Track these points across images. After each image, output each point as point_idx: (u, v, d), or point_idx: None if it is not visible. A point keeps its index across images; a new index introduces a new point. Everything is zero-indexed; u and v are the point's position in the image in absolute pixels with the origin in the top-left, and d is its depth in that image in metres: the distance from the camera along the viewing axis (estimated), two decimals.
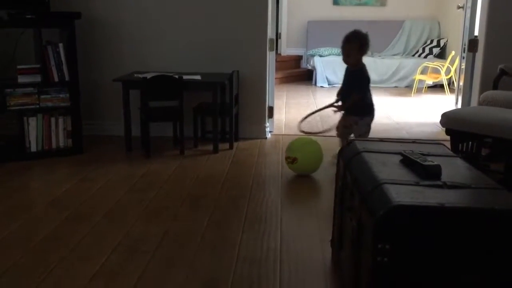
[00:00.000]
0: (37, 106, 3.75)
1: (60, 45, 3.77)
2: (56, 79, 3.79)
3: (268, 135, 4.54)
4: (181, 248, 2.38)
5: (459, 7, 6.02)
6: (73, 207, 2.88)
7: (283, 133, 4.73)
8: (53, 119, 3.82)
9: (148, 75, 3.88)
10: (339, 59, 7.82)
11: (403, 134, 4.76)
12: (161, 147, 4.10)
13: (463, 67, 4.82)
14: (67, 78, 3.81)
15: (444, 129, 3.39)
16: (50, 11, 3.85)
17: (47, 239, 2.48)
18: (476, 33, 4.53)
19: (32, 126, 3.76)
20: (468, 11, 4.72)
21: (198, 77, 4.05)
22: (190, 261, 2.25)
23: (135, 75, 4.09)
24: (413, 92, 7.12)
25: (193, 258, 2.28)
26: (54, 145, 3.85)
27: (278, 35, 8.54)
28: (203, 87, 4.04)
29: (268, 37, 4.38)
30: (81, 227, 2.60)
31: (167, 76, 3.83)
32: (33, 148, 3.78)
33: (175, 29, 4.39)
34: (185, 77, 3.89)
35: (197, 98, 4.21)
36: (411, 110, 6.02)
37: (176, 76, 3.83)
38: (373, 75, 7.65)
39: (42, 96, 3.75)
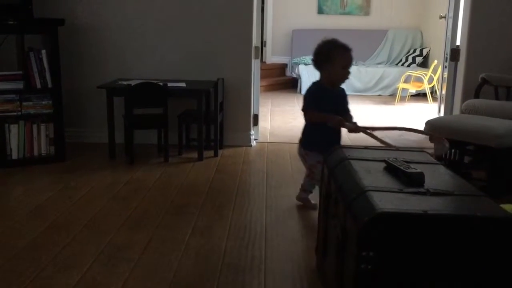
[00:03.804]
0: (19, 113, 3.69)
1: (43, 51, 3.72)
2: (39, 86, 3.74)
3: (253, 143, 4.53)
4: (165, 256, 2.36)
5: (441, 17, 6.11)
6: (54, 215, 2.83)
7: (268, 140, 4.73)
8: (35, 126, 3.77)
9: (133, 82, 3.85)
10: None
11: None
12: (145, 154, 4.07)
13: (445, 76, 4.88)
14: (49, 85, 3.76)
15: (428, 136, 3.42)
16: (33, 17, 3.82)
17: (27, 248, 2.43)
18: (458, 42, 4.60)
19: (14, 133, 3.70)
20: (450, 21, 4.79)
21: (183, 85, 4.03)
22: (174, 270, 2.23)
23: (119, 82, 4.06)
24: (396, 100, 7.19)
25: (177, 267, 2.26)
26: (36, 153, 3.79)
27: (263, 43, 8.57)
28: (188, 94, 4.02)
29: (253, 45, 4.39)
30: (62, 236, 2.56)
31: (151, 83, 3.82)
32: (15, 156, 3.72)
33: (159, 36, 4.37)
34: (169, 84, 3.88)
35: (182, 106, 4.19)
36: (395, 118, 6.07)
37: (161, 84, 3.81)
38: (357, 83, 7.80)
39: (24, 103, 3.70)
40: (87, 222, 2.75)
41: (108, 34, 4.37)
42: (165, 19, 4.35)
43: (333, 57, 2.76)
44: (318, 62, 2.83)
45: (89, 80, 4.29)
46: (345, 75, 2.80)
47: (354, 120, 2.91)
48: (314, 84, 2.87)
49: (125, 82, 3.96)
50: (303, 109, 2.85)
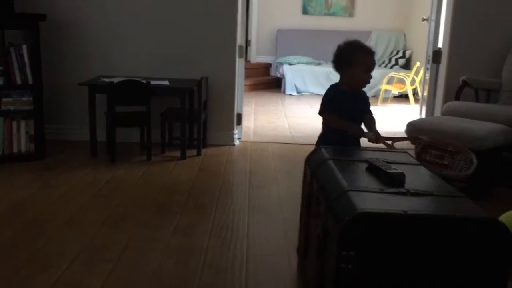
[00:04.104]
0: None
1: (24, 47, 3.66)
2: (19, 82, 3.68)
3: (237, 142, 4.53)
4: (145, 256, 2.34)
5: (423, 20, 6.17)
6: (33, 213, 2.79)
7: (251, 140, 4.73)
8: (15, 123, 3.70)
9: (115, 80, 3.81)
10: (308, 67, 8.06)
11: (370, 143, 4.82)
12: (127, 152, 4.03)
13: (427, 78, 4.93)
14: (30, 81, 3.70)
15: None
16: (14, 12, 3.75)
17: (5, 246, 2.39)
18: (440, 45, 4.65)
19: None
20: (433, 23, 4.84)
21: (166, 83, 4.01)
22: (155, 269, 2.21)
23: (102, 79, 4.02)
24: (379, 101, 7.25)
25: (158, 266, 2.24)
26: (15, 150, 3.73)
27: (247, 43, 8.57)
28: (171, 92, 4.00)
29: (238, 44, 4.39)
30: (41, 235, 2.52)
31: (134, 81, 3.78)
32: None
33: (143, 34, 4.34)
34: (153, 82, 3.85)
35: (166, 104, 4.16)
36: (377, 119, 6.10)
37: (144, 81, 3.78)
38: None
39: (4, 99, 3.64)
40: (67, 220, 2.71)
41: (91, 31, 4.32)
42: (149, 17, 4.32)
43: (356, 60, 2.57)
44: (338, 65, 2.64)
45: (71, 77, 4.23)
46: (366, 79, 2.63)
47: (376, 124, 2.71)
48: (332, 87, 2.68)
49: (107, 79, 3.91)
50: (320, 113, 2.65)
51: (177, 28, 4.32)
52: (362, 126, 2.68)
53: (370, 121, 2.70)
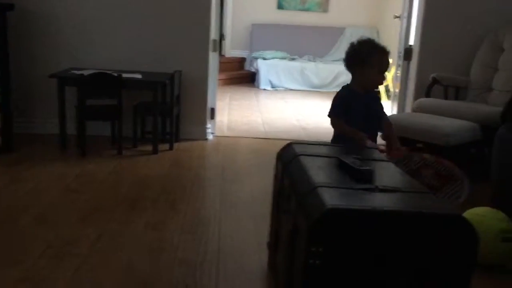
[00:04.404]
0: None
1: None
2: None
3: (210, 137, 4.51)
4: (116, 251, 2.32)
5: (395, 17, 6.25)
6: (0, 208, 2.72)
7: (225, 134, 4.72)
8: None
9: (86, 72, 3.75)
10: (282, 62, 8.07)
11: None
12: (98, 146, 3.97)
13: (399, 74, 5.00)
14: None
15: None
16: None
17: None
18: (411, 42, 4.72)
19: None
20: (404, 20, 4.90)
21: (138, 76, 3.96)
22: (125, 265, 2.19)
23: (72, 71, 3.94)
24: None
25: (128, 261, 2.22)
26: None
27: (222, 37, 8.52)
28: (143, 86, 3.95)
29: (211, 38, 4.36)
30: (8, 230, 2.47)
31: (105, 74, 3.72)
32: None
33: (116, 26, 4.27)
34: (125, 75, 3.79)
35: (138, 97, 4.11)
36: None
37: (115, 74, 3.73)
38: (314, 79, 7.88)
39: None
40: (35, 215, 2.66)
41: (61, 22, 4.22)
42: (122, 8, 4.25)
43: (370, 60, 2.46)
44: (351, 64, 2.54)
45: (40, 69, 4.14)
46: (380, 80, 2.54)
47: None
48: (344, 89, 2.58)
49: (77, 72, 3.84)
50: (329, 115, 2.56)
51: (150, 21, 4.27)
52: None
53: (387, 128, 2.61)
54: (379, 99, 2.67)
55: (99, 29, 4.26)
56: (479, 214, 2.23)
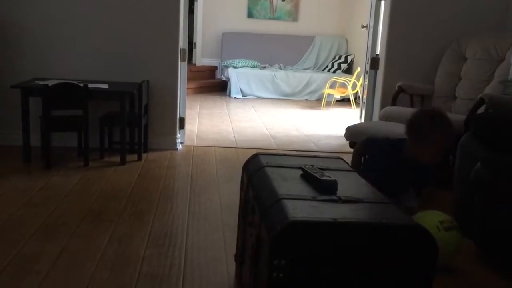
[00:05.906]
0: None
1: None
2: None
3: (179, 147, 4.47)
4: (78, 266, 2.26)
5: (363, 27, 6.36)
6: None
7: (194, 144, 4.69)
8: None
9: (50, 82, 3.67)
10: (253, 71, 8.10)
11: (311, 146, 4.91)
12: (64, 158, 3.89)
13: (366, 83, 5.08)
14: None
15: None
16: None
17: None
18: (378, 51, 4.80)
19: None
20: (371, 30, 4.99)
21: (105, 86, 3.90)
22: (87, 280, 2.14)
23: (36, 81, 3.86)
24: (322, 105, 7.39)
25: (91, 277, 2.17)
26: None
27: (193, 45, 8.51)
28: (110, 96, 3.89)
29: (180, 47, 4.34)
30: None
31: (70, 84, 3.66)
32: None
33: (82, 36, 4.20)
34: (91, 85, 3.73)
35: (105, 108, 4.05)
36: (320, 123, 6.24)
37: (81, 84, 3.66)
38: (285, 88, 7.93)
39: None
40: None
41: (25, 30, 4.13)
42: (88, 17, 4.18)
43: (431, 139, 2.28)
44: (411, 135, 2.38)
45: (3, 79, 4.03)
46: (435, 160, 2.34)
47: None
48: (393, 149, 2.38)
49: (42, 82, 3.76)
50: (353, 166, 2.30)
51: (117, 30, 4.22)
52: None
53: (428, 198, 2.45)
54: (429, 168, 2.43)
55: (65, 38, 4.18)
56: (421, 216, 2.30)
